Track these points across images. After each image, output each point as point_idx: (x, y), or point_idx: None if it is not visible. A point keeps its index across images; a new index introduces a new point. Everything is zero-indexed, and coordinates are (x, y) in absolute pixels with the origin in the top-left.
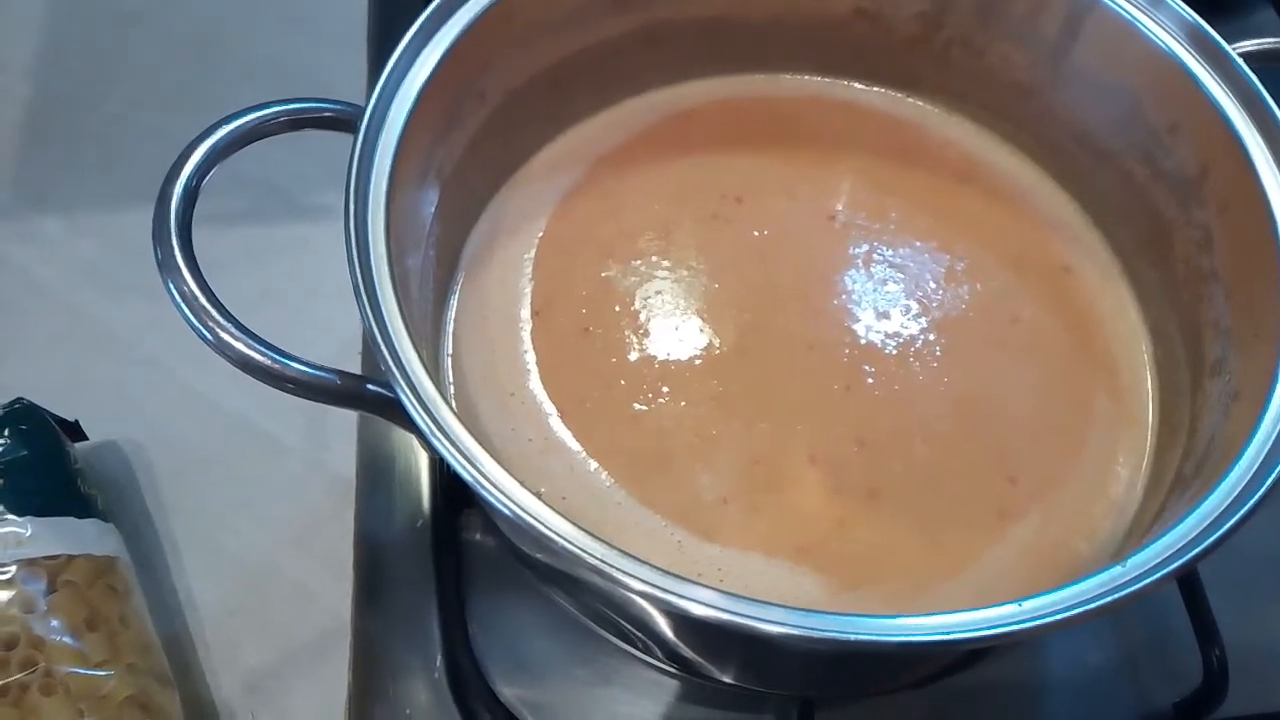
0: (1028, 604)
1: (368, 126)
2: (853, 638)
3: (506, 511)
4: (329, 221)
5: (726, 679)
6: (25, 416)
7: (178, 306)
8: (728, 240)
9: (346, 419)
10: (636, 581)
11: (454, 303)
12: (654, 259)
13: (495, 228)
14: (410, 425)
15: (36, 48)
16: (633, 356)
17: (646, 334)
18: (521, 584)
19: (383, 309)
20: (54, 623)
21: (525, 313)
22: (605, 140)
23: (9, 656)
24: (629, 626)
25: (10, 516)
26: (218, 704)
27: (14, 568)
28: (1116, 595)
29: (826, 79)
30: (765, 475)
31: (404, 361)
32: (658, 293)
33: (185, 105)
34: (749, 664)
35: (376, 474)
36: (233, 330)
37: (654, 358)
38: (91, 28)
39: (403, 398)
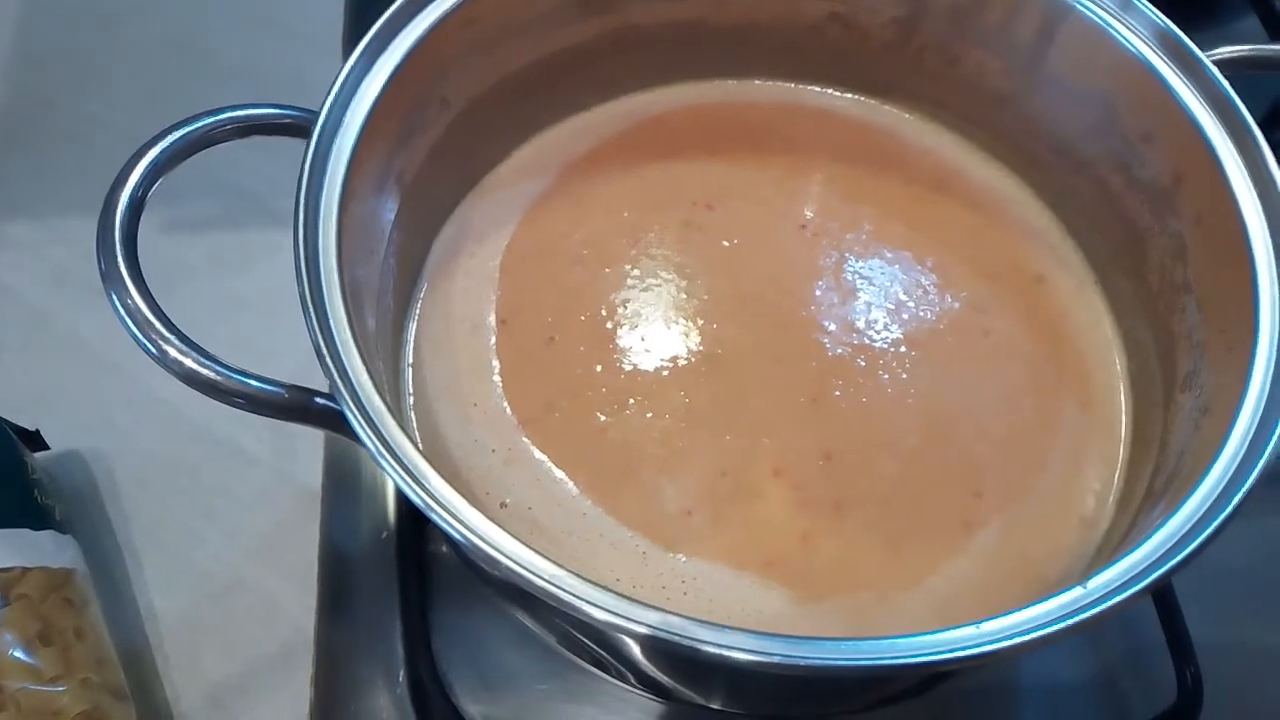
0: (986, 625)
1: (320, 132)
2: (806, 662)
3: (453, 533)
4: None
5: (693, 699)
6: None
7: (121, 319)
8: (697, 249)
9: (313, 429)
10: (590, 606)
11: (416, 312)
12: (623, 267)
13: (460, 235)
14: (356, 439)
15: (11, 49)
16: (599, 367)
17: (613, 344)
18: (487, 598)
19: (330, 321)
20: (6, 637)
21: (490, 321)
22: (574, 147)
23: None
24: (594, 646)
25: None
26: (176, 718)
27: None
28: (1079, 617)
29: (800, 85)
30: (730, 488)
31: (349, 374)
32: (626, 302)
33: (161, 110)
34: (714, 684)
35: (343, 485)
36: (177, 344)
37: (621, 368)
38: (68, 30)
39: (346, 411)
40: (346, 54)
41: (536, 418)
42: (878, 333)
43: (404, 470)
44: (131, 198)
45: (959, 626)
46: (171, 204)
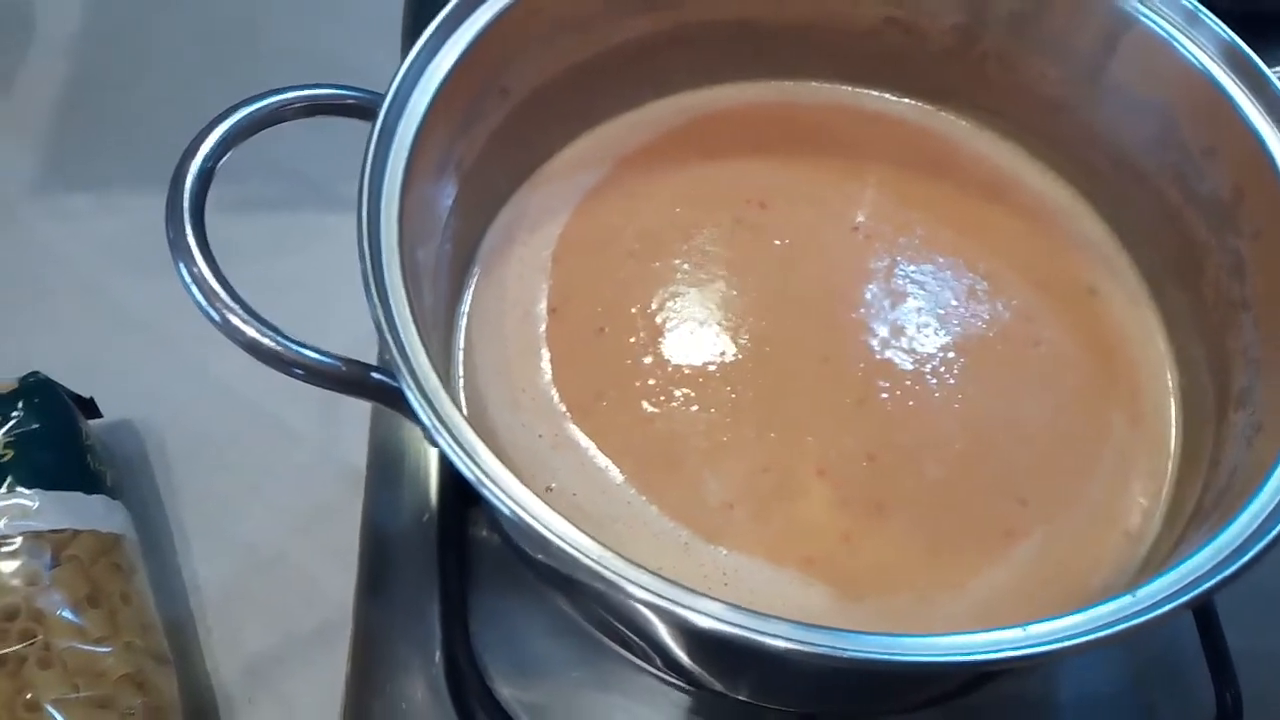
0: (1034, 628)
1: (386, 115)
2: (855, 655)
3: (505, 509)
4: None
5: (728, 691)
6: (40, 390)
7: (187, 288)
8: (749, 247)
9: (359, 410)
10: (635, 587)
11: (469, 296)
12: (674, 262)
13: (515, 223)
14: (412, 416)
15: (78, 27)
16: (648, 359)
17: (663, 337)
18: (524, 584)
19: (390, 299)
20: (55, 596)
21: (541, 309)
22: (628, 141)
23: (9, 628)
24: (629, 633)
25: (19, 489)
26: (215, 687)
27: (19, 539)
28: (1125, 625)
29: (855, 88)
30: (773, 484)
31: (409, 351)
32: (676, 296)
33: (219, 90)
34: (750, 677)
35: (386, 466)
36: (241, 314)
37: (669, 361)
38: (132, 9)
39: (405, 388)
40: (406, 40)
41: (584, 406)
42: (926, 337)
43: (459, 446)
44: (201, 169)
45: (1007, 628)
46: (226, 184)
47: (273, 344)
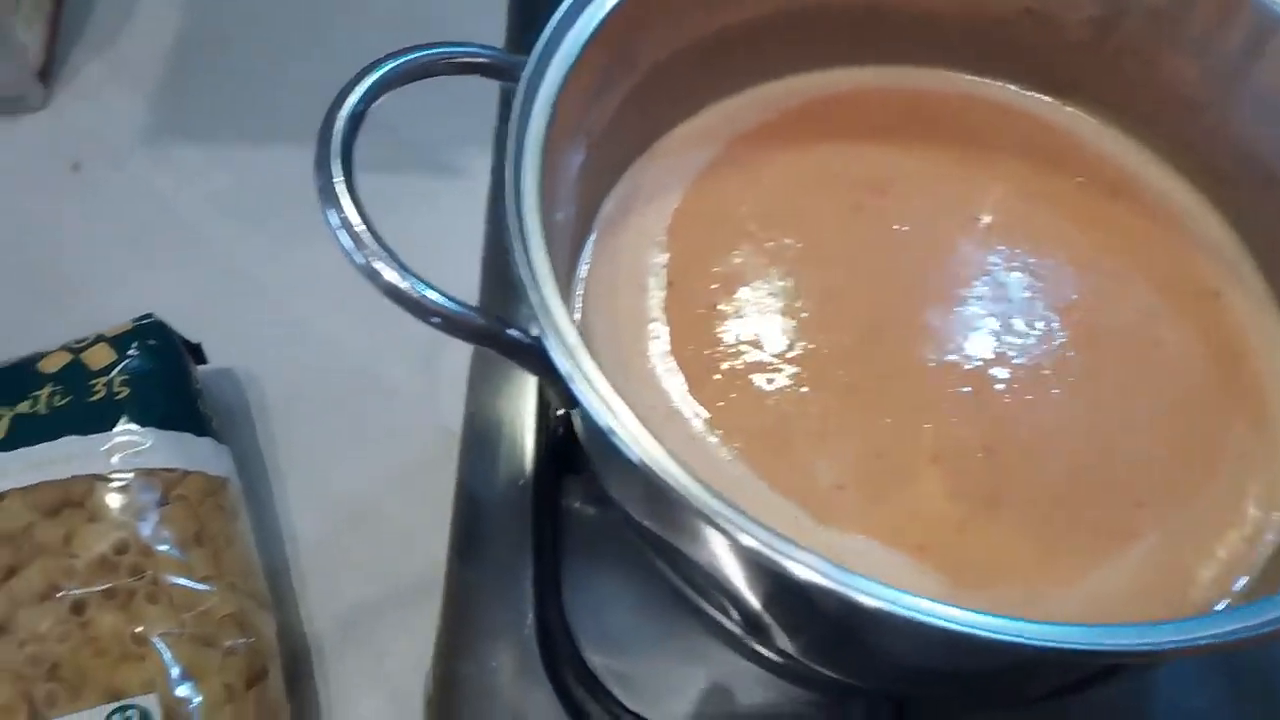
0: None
1: (530, 78)
2: (992, 636)
3: (646, 466)
4: (458, 180)
5: (819, 669)
6: (154, 332)
7: (334, 231)
8: (866, 231)
9: (457, 372)
10: (792, 563)
11: (585, 264)
12: (788, 242)
13: (631, 195)
14: (547, 371)
15: None
16: (761, 337)
17: (777, 317)
18: (617, 556)
19: (533, 258)
20: (164, 534)
21: (656, 282)
22: (745, 119)
23: (119, 561)
24: (727, 603)
25: (133, 426)
26: (309, 635)
27: (132, 475)
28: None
29: (980, 78)
30: (886, 469)
31: (550, 310)
32: (791, 276)
33: (325, 52)
34: (848, 654)
35: (483, 430)
36: (386, 259)
37: (782, 341)
38: None
39: (549, 342)
40: (511, 8)
41: (697, 380)
42: (1045, 333)
43: (602, 401)
44: (351, 115)
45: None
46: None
47: (414, 292)
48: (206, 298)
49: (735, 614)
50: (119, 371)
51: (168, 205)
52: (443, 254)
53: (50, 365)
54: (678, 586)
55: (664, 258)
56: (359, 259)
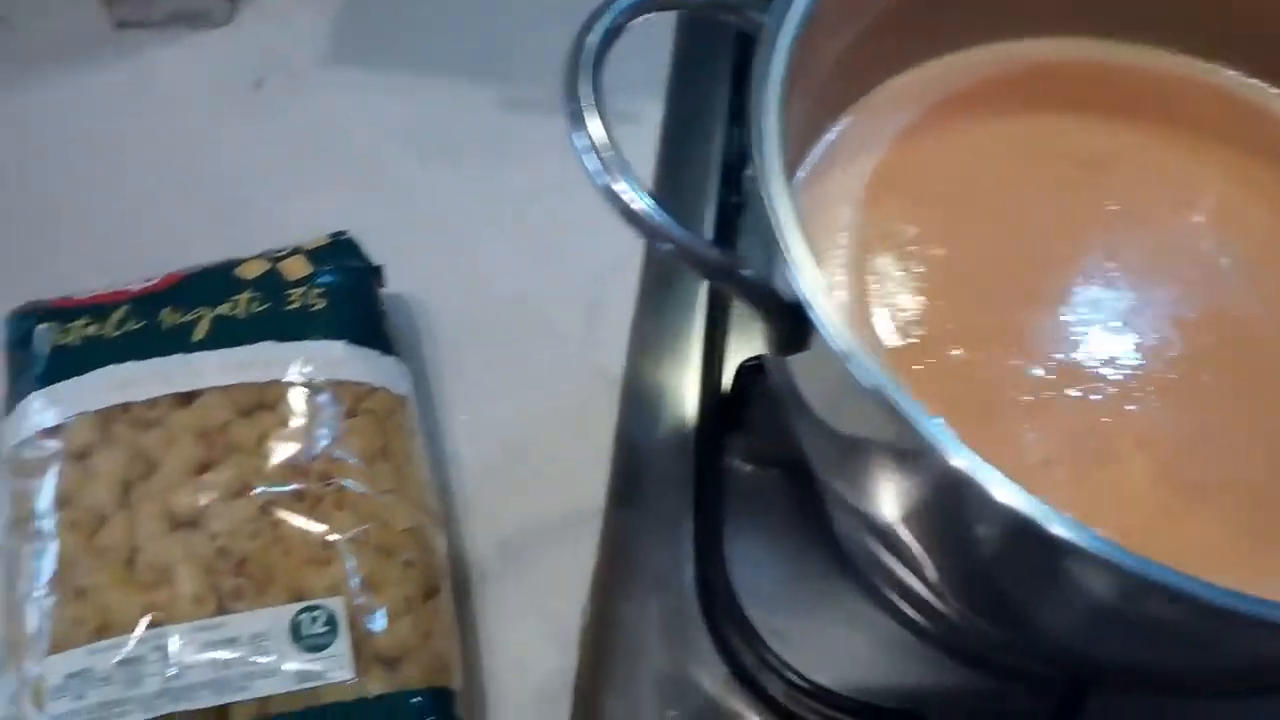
0: None
1: (774, 27)
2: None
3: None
4: (631, 125)
5: (990, 642)
6: (348, 249)
7: (580, 153)
8: (1073, 207)
9: (621, 317)
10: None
11: None
12: (992, 211)
13: (833, 151)
14: (776, 311)
15: None
16: (960, 303)
17: (977, 284)
18: (775, 515)
19: (778, 205)
20: (352, 445)
21: (851, 239)
22: (950, 83)
23: (309, 467)
24: (922, 558)
25: (326, 339)
26: (469, 559)
27: (323, 385)
28: None
29: (1196, 59)
30: (1092, 447)
31: (794, 256)
32: (994, 244)
33: None
34: (1031, 628)
35: (644, 378)
36: (626, 183)
37: (986, 309)
38: None
39: (795, 278)
40: None
41: (894, 343)
42: (1255, 326)
43: (858, 357)
44: (602, 38)
45: None
46: (501, 83)
47: (652, 216)
48: (380, 223)
49: (928, 571)
50: (314, 284)
51: (345, 129)
52: (595, 199)
53: (248, 272)
54: (849, 548)
55: (860, 215)
56: (601, 180)
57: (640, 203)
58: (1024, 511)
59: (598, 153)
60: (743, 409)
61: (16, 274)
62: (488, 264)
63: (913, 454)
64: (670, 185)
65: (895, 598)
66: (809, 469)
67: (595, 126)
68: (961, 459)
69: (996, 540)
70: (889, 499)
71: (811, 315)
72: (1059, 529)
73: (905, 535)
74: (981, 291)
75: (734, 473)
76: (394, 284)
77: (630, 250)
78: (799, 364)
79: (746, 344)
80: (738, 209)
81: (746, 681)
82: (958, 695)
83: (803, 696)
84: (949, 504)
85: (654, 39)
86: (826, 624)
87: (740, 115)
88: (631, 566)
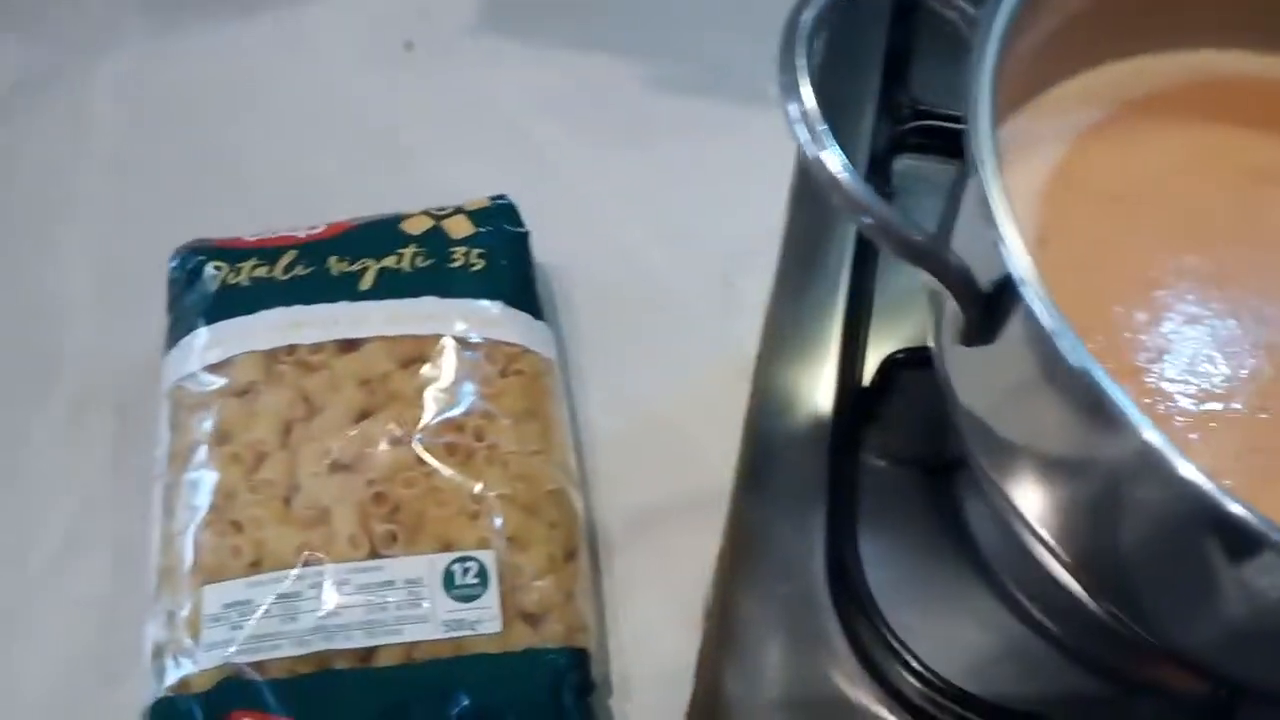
0: None
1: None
2: None
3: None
4: (774, 110)
5: (1134, 650)
6: (506, 213)
7: (792, 122)
8: (1252, 224)
9: (756, 299)
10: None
11: None
12: (1169, 220)
13: (1010, 143)
14: (972, 297)
15: None
16: (1135, 311)
17: (1152, 291)
18: (908, 512)
19: (997, 201)
20: (504, 403)
21: (1030, 237)
22: (1135, 86)
23: (465, 422)
24: (1049, 571)
25: (485, 298)
26: (598, 525)
27: (481, 345)
28: None
29: None
30: (1262, 465)
31: (1010, 242)
32: (1168, 253)
33: None
34: (1189, 630)
35: (779, 364)
36: (835, 155)
37: (1160, 318)
38: None
39: (1017, 275)
40: None
41: None
42: None
43: (1069, 336)
44: (817, 13)
45: None
46: (645, 62)
47: (855, 190)
48: (523, 190)
49: (1085, 567)
50: (475, 244)
51: (492, 96)
52: (747, 179)
53: (413, 227)
54: (985, 548)
55: (1037, 214)
56: (811, 150)
57: (846, 175)
58: (1222, 497)
59: (807, 124)
60: (881, 403)
61: (168, 215)
62: (626, 240)
63: (1107, 436)
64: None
65: (1027, 601)
66: (952, 466)
67: (807, 98)
68: (1156, 435)
69: (1181, 528)
70: (1069, 489)
71: (1025, 293)
72: (1248, 514)
73: (1073, 528)
74: (1158, 303)
75: (866, 467)
76: (534, 253)
77: (767, 233)
78: (986, 351)
79: (889, 337)
80: (889, 198)
81: (874, 674)
82: (1085, 703)
83: (934, 693)
84: (1139, 489)
85: None
86: (955, 623)
87: (890, 105)
88: (758, 554)
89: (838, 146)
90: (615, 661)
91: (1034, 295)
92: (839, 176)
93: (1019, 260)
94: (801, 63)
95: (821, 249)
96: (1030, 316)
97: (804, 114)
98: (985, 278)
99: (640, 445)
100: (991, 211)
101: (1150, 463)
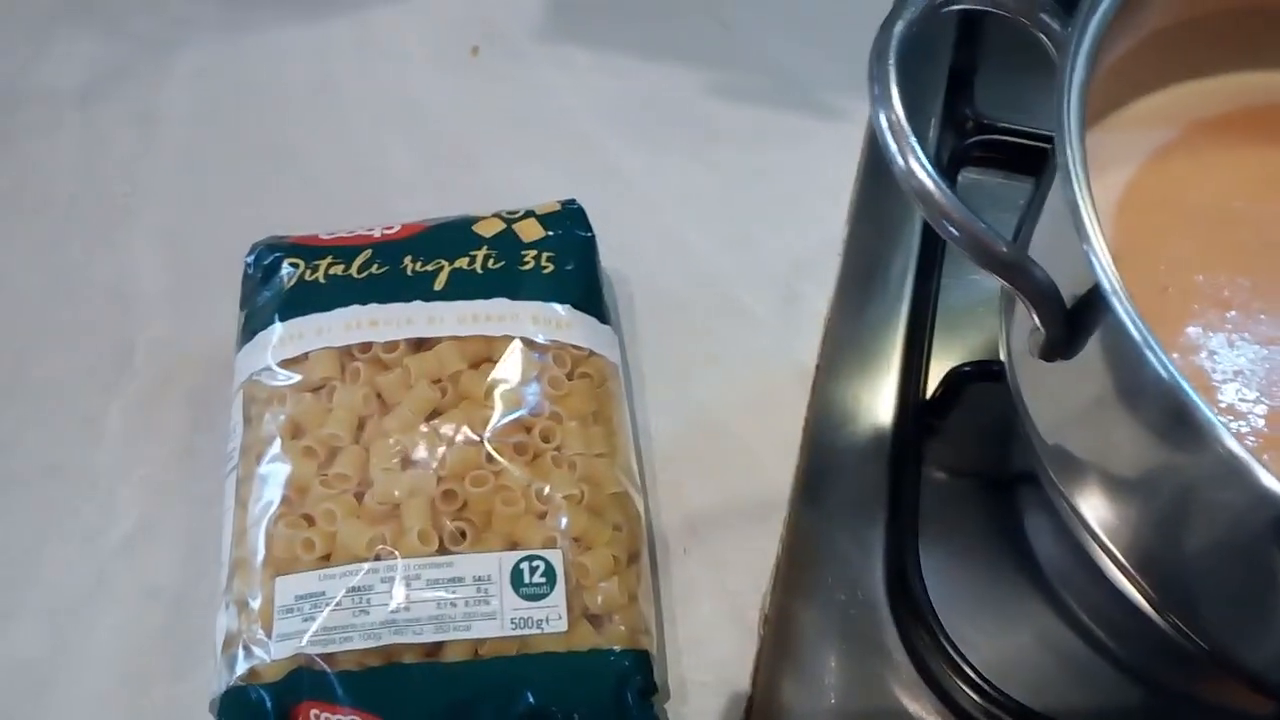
0: None
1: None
2: None
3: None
4: (838, 122)
5: (1197, 667)
6: (577, 217)
7: (881, 131)
8: None
9: (816, 309)
10: None
11: None
12: (1242, 240)
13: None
14: (1057, 316)
15: None
16: (1210, 332)
17: (1230, 311)
18: (966, 527)
19: (1088, 220)
20: (571, 405)
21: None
22: (1207, 106)
23: (533, 422)
24: (1114, 584)
25: (554, 302)
26: (656, 531)
27: (549, 347)
28: None
29: None
30: None
31: (1105, 262)
32: (1240, 275)
33: None
34: (1260, 645)
35: (839, 373)
36: (923, 165)
37: (1233, 340)
38: None
39: (1108, 283)
40: None
41: None
42: None
43: (1158, 350)
44: (908, 26)
45: None
46: (714, 70)
47: (942, 198)
48: (587, 196)
49: (1153, 581)
50: (546, 247)
51: (556, 101)
52: (810, 189)
53: (485, 229)
54: (1046, 563)
55: (1111, 231)
56: (898, 158)
57: (934, 185)
58: None
59: (896, 133)
60: (942, 416)
61: (238, 210)
62: (688, 247)
63: (1189, 447)
64: (874, 180)
65: (1087, 617)
66: (1014, 480)
67: (897, 108)
68: (1239, 447)
69: (1256, 538)
70: (1142, 500)
71: (1114, 305)
72: None
73: (1143, 539)
74: (1236, 320)
75: (926, 479)
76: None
77: (828, 244)
78: (1065, 364)
79: (949, 350)
80: None
81: (932, 684)
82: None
83: (992, 706)
84: (1216, 499)
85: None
86: (1013, 638)
87: (954, 119)
88: (816, 563)
89: (925, 156)
90: (672, 666)
91: (1124, 308)
92: (928, 185)
93: (1109, 272)
94: (892, 73)
95: (884, 262)
96: (1119, 329)
97: (893, 123)
98: (1068, 291)
99: (699, 452)
100: (1082, 222)
101: (1232, 472)
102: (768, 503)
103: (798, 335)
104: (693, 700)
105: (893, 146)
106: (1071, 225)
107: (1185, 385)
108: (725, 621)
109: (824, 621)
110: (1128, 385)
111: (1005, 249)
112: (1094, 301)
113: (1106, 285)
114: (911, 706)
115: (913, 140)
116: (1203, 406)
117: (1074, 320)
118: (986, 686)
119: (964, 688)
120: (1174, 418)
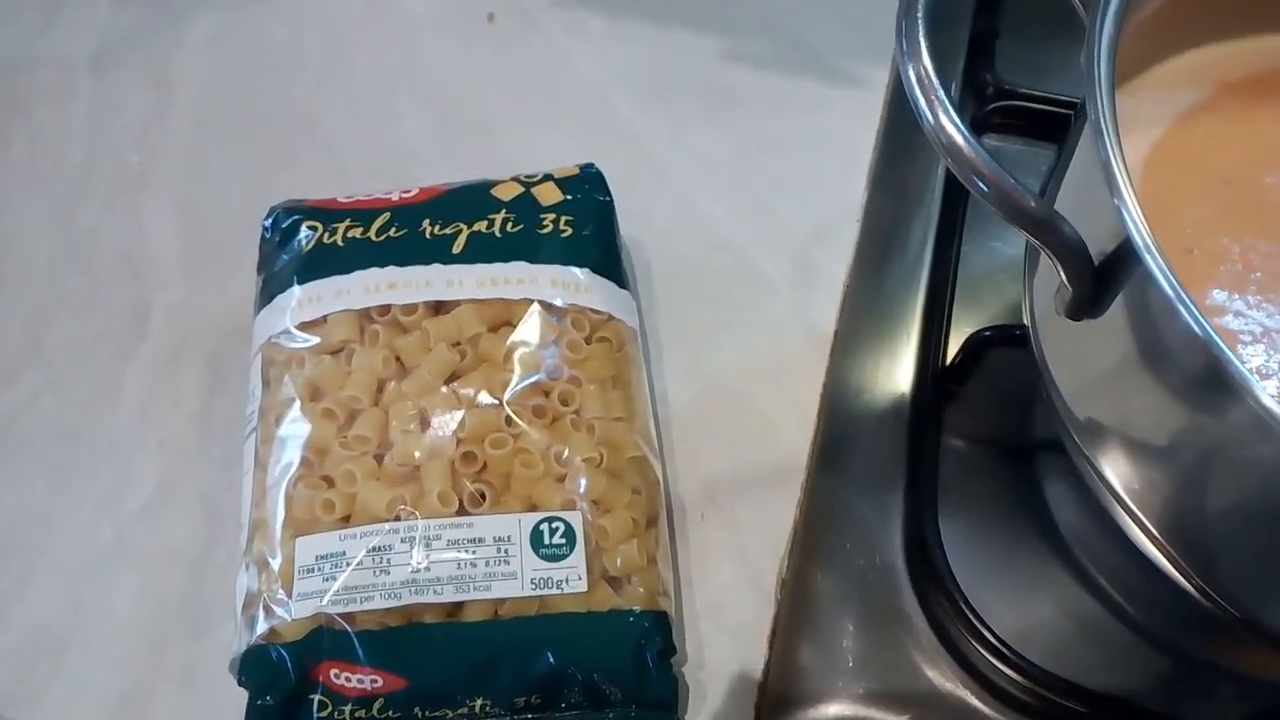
0: None
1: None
2: None
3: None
4: (855, 89)
5: (1217, 631)
6: (594, 181)
7: (910, 86)
8: None
9: (834, 275)
10: None
11: None
12: (1268, 203)
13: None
14: (1086, 274)
15: None
16: (1235, 294)
17: (1254, 274)
18: (984, 493)
19: (1123, 181)
20: (589, 369)
21: None
22: (1236, 67)
23: (551, 386)
24: (1138, 547)
25: (573, 265)
26: (673, 494)
27: (568, 310)
28: None
29: None
30: None
31: (1137, 215)
32: (1270, 236)
33: None
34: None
35: (857, 339)
36: (952, 119)
37: (1260, 302)
38: None
39: (1142, 242)
40: None
41: None
42: None
43: (1190, 304)
44: None
45: None
46: (730, 37)
47: (972, 153)
48: (603, 161)
49: (1179, 541)
50: (564, 211)
51: (571, 68)
52: (827, 156)
53: (504, 193)
54: (1065, 528)
55: (1138, 190)
56: (927, 113)
57: (963, 140)
58: None
59: (925, 89)
60: (962, 382)
61: (253, 175)
62: (704, 213)
63: (1222, 404)
64: (893, 148)
65: (1107, 583)
66: (1034, 446)
67: (926, 63)
68: (1274, 402)
69: None
70: (1170, 459)
71: (1146, 260)
72: None
73: (1170, 500)
74: (1262, 282)
75: (945, 446)
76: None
77: (846, 210)
78: (1092, 323)
79: (970, 317)
80: None
81: (951, 649)
82: (1164, 686)
83: (1013, 671)
84: (1247, 456)
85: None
86: (1032, 604)
87: (975, 85)
88: (834, 528)
89: (954, 112)
90: (690, 631)
91: (1155, 262)
92: (957, 140)
93: (1141, 226)
94: (920, 26)
95: (903, 228)
96: (1150, 284)
97: (922, 78)
98: (1095, 248)
99: (716, 418)
100: (1114, 175)
101: (1265, 429)
102: (785, 469)
103: (815, 302)
104: (710, 664)
105: (921, 101)
106: (1102, 180)
107: (1217, 340)
108: (743, 586)
109: (842, 587)
110: (1157, 342)
111: (1034, 204)
112: (1124, 256)
113: (1138, 240)
114: (930, 672)
115: (941, 95)
116: (1235, 362)
117: (1102, 277)
118: (1007, 651)
119: (983, 652)
120: (1206, 374)
